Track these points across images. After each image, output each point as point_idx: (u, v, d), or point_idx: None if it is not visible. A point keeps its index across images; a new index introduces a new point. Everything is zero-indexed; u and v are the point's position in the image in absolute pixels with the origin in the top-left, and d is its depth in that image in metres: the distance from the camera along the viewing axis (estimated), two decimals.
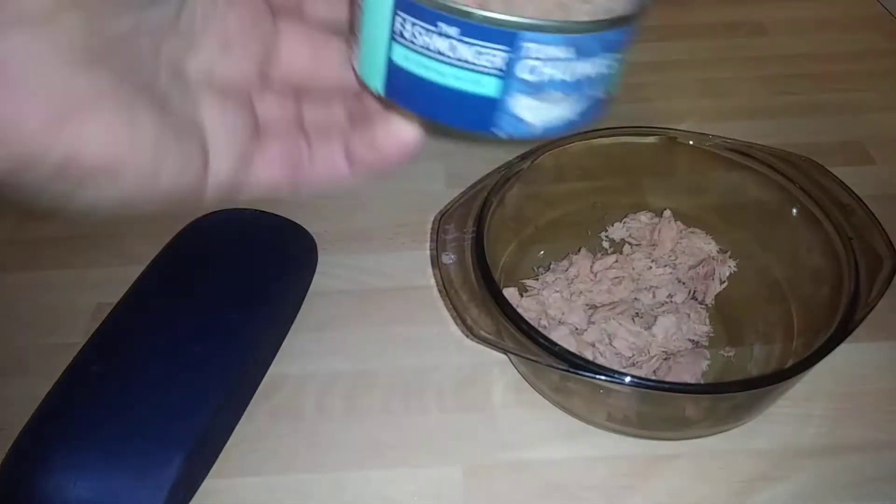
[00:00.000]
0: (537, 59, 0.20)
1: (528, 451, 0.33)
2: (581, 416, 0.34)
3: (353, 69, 0.22)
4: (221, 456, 0.33)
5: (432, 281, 0.41)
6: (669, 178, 0.41)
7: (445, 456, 0.33)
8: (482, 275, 0.32)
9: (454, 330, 0.38)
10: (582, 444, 0.33)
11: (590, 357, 0.34)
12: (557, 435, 0.34)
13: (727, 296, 0.38)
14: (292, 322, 0.38)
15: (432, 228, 0.43)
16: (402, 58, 0.21)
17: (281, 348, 0.37)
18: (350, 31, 0.23)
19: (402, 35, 0.21)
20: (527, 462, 0.33)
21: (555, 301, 0.37)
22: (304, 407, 0.35)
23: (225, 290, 0.36)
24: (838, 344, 0.29)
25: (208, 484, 0.32)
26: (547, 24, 0.20)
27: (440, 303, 0.39)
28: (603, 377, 0.28)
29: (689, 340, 0.36)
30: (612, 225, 0.41)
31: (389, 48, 0.21)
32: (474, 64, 0.21)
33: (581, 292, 0.38)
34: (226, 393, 0.33)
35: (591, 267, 0.39)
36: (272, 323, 0.37)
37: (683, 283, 0.39)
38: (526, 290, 0.38)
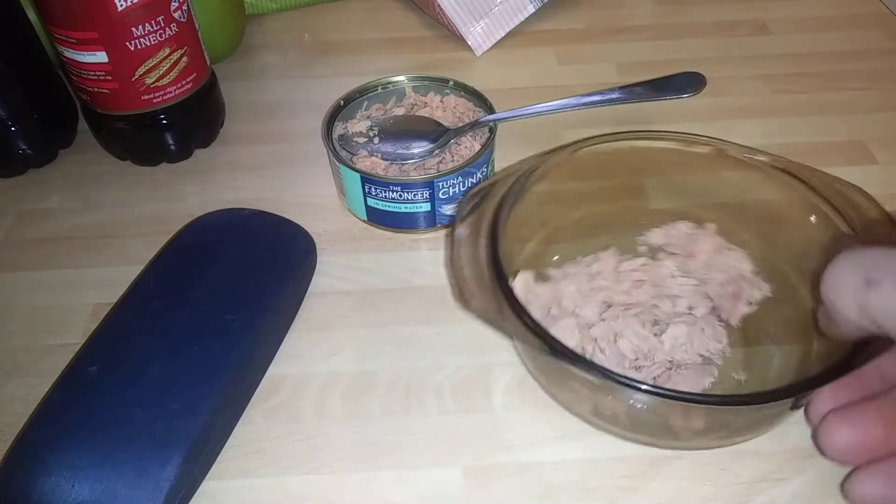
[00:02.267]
0: (445, 186, 0.40)
1: (528, 453, 0.33)
2: (571, 409, 0.34)
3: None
4: (220, 457, 0.33)
5: (432, 281, 0.40)
6: (715, 190, 0.40)
7: (445, 457, 0.33)
8: (489, 236, 0.31)
9: (454, 330, 0.38)
10: (583, 445, 0.33)
11: (589, 351, 0.34)
12: (558, 436, 0.33)
13: (755, 320, 0.36)
14: (292, 322, 0.38)
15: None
16: (373, 202, 0.41)
17: (280, 348, 0.37)
18: (338, 188, 0.44)
19: (370, 193, 0.41)
20: (527, 463, 0.33)
21: (570, 292, 0.36)
22: (303, 408, 0.35)
23: (224, 291, 0.36)
24: (842, 375, 0.28)
25: (207, 485, 0.32)
26: (443, 172, 0.40)
27: (440, 303, 0.39)
28: (568, 359, 0.28)
29: (700, 356, 0.35)
30: (651, 230, 0.40)
31: (365, 199, 0.42)
32: (413, 199, 0.41)
33: (600, 289, 0.37)
34: (224, 394, 0.33)
35: (616, 266, 0.38)
36: (271, 323, 0.36)
37: (710, 299, 0.37)
38: (547, 279, 0.37)
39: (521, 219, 0.35)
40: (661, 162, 0.39)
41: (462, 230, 0.33)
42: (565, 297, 0.36)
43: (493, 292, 0.31)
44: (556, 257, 0.39)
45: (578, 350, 0.34)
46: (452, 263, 0.32)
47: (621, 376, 0.28)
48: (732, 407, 0.29)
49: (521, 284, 0.35)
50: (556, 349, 0.28)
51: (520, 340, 0.29)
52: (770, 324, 0.36)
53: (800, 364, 0.33)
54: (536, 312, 0.35)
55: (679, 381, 0.33)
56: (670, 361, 0.34)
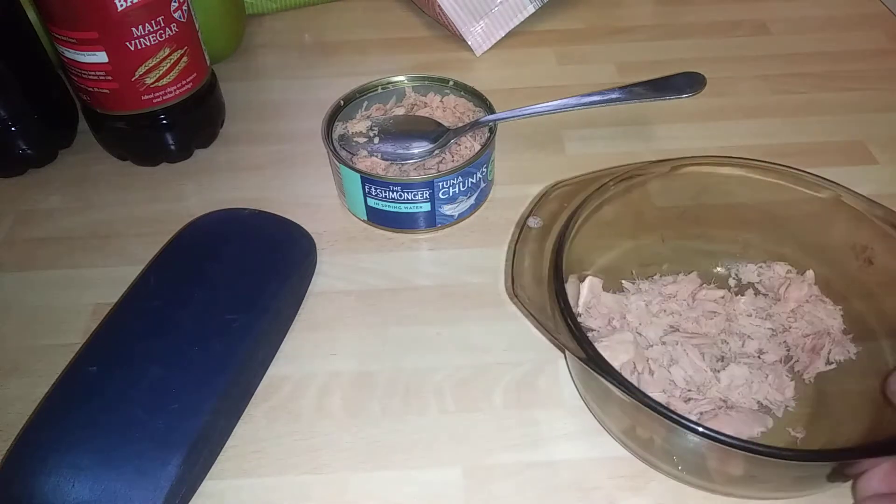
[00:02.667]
0: (445, 186, 0.40)
1: (528, 453, 0.33)
2: (605, 425, 0.33)
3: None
4: (220, 457, 0.33)
5: (432, 281, 0.41)
6: (822, 236, 0.37)
7: (445, 457, 0.33)
8: (561, 233, 0.31)
9: (454, 330, 0.38)
10: (583, 445, 0.33)
11: (638, 371, 0.32)
12: (558, 436, 0.33)
13: (832, 380, 0.34)
14: (292, 322, 0.38)
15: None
16: (373, 202, 0.41)
17: (280, 348, 0.37)
18: (338, 188, 0.44)
19: (370, 193, 0.41)
20: (527, 463, 0.33)
21: (637, 308, 0.35)
22: (303, 408, 0.35)
23: (224, 291, 0.36)
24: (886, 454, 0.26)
25: (207, 485, 0.32)
26: (443, 172, 0.40)
27: (440, 303, 0.39)
28: (599, 370, 0.27)
29: (757, 402, 0.33)
30: (746, 265, 0.38)
31: (365, 199, 0.42)
32: (413, 199, 0.41)
33: (670, 312, 0.36)
34: (224, 393, 0.33)
35: (693, 292, 0.36)
36: (271, 323, 0.36)
37: (787, 347, 0.35)
38: (618, 290, 0.36)
39: (604, 225, 0.34)
40: (768, 195, 0.37)
41: (533, 221, 0.33)
42: (631, 312, 0.35)
43: (547, 288, 0.30)
44: (634, 271, 0.38)
45: (628, 367, 0.33)
46: (513, 251, 0.31)
47: (645, 396, 0.26)
48: (751, 456, 0.26)
49: (588, 289, 0.34)
50: (591, 356, 0.28)
51: (560, 342, 0.28)
52: (847, 388, 0.34)
53: (868, 436, 0.31)
54: (596, 320, 0.35)
55: (726, 422, 0.31)
56: (723, 400, 0.33)
